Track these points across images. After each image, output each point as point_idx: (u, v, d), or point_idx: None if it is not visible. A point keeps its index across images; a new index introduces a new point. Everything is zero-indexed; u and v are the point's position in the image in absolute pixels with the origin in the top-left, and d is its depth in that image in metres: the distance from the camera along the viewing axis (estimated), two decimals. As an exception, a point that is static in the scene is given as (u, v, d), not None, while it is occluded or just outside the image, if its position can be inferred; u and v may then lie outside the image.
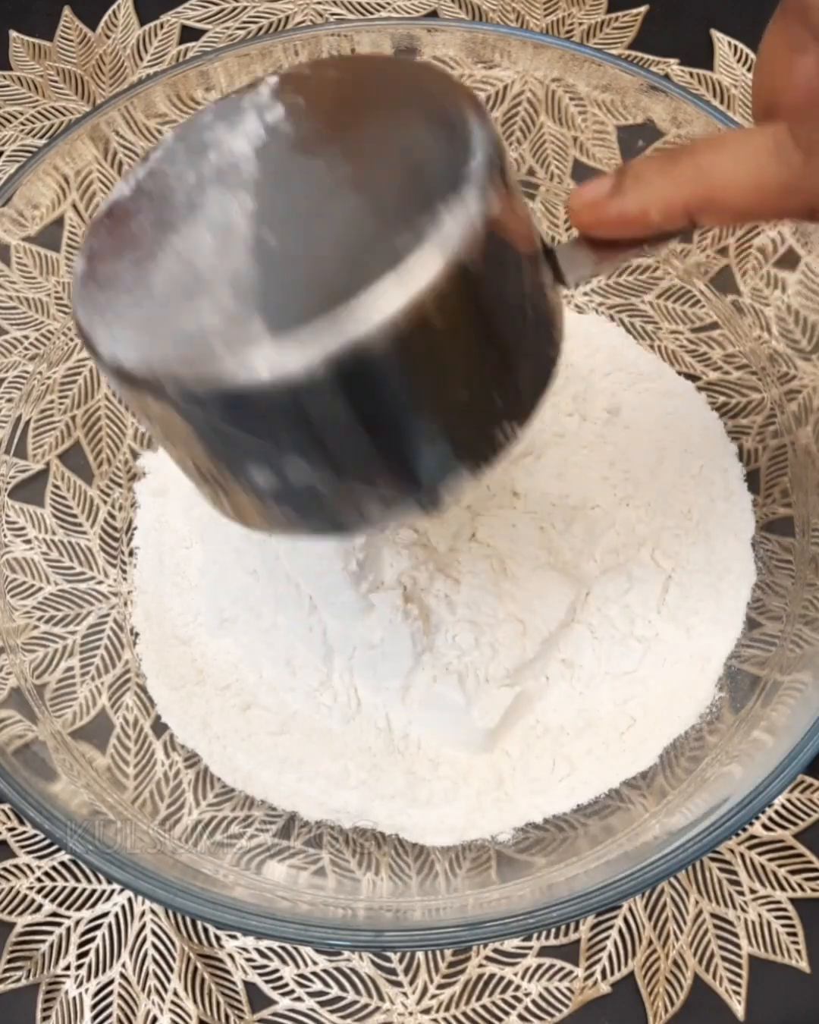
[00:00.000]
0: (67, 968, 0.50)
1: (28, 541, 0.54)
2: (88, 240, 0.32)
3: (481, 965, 0.50)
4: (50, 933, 0.51)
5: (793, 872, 0.51)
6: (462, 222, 0.26)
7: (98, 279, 0.30)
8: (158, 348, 0.27)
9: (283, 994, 0.50)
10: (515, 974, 0.50)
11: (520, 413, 0.30)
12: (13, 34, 0.69)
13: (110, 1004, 0.50)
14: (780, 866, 0.51)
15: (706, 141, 0.30)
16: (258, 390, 0.25)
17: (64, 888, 0.52)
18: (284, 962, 0.50)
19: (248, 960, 0.50)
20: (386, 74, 0.32)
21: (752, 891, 0.51)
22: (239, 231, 0.28)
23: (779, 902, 0.51)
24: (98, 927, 0.51)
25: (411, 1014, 0.49)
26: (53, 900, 0.51)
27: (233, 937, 0.51)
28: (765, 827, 0.52)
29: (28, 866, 0.52)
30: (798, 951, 0.50)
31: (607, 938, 0.50)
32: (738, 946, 0.50)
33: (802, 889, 0.51)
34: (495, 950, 0.50)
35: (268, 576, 0.51)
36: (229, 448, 0.28)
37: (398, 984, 0.50)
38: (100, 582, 0.55)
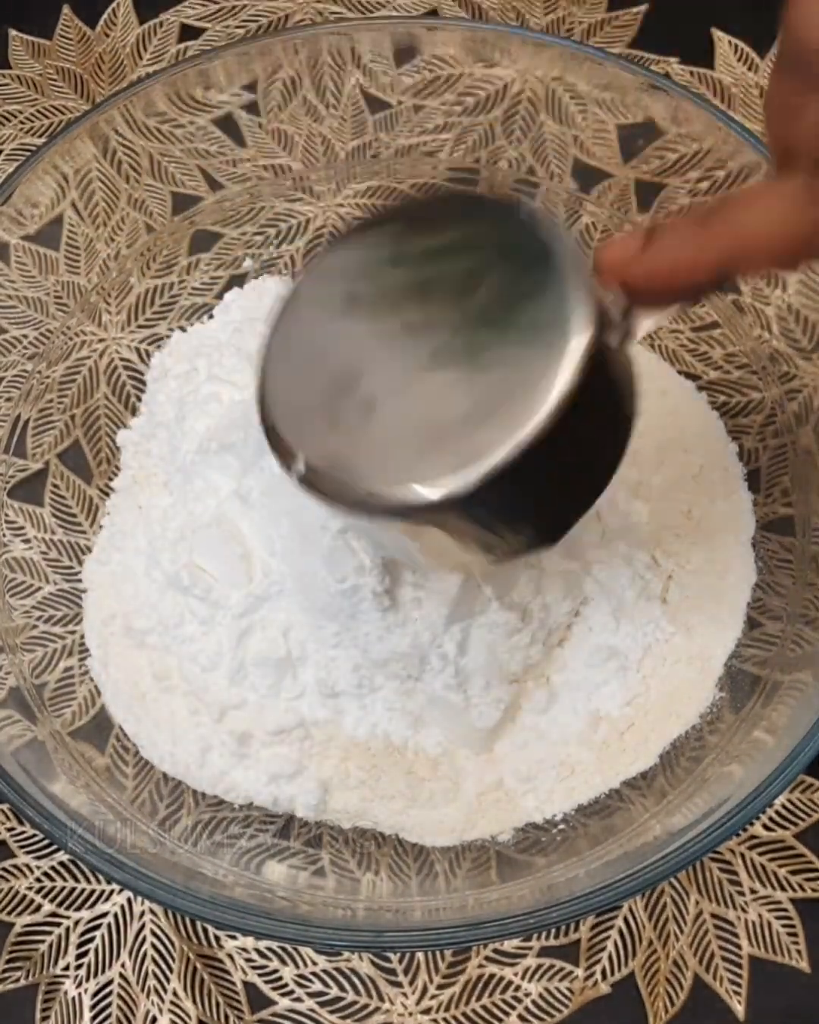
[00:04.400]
0: (66, 968, 0.50)
1: (27, 540, 0.54)
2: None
3: (481, 965, 0.50)
4: (49, 933, 0.51)
5: (793, 872, 0.51)
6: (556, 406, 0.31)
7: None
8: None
9: (283, 994, 0.50)
10: (515, 974, 0.50)
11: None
12: (12, 32, 0.68)
13: (109, 1004, 0.50)
14: (780, 866, 0.51)
15: (734, 200, 0.32)
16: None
17: (63, 888, 0.52)
18: (284, 962, 0.50)
19: (248, 960, 0.50)
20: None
21: (752, 891, 0.51)
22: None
23: (779, 902, 0.51)
24: (97, 927, 0.51)
25: (411, 1014, 0.49)
26: (52, 900, 0.51)
27: (232, 937, 0.51)
28: (765, 827, 0.52)
29: (27, 866, 0.52)
30: (798, 951, 0.50)
31: (607, 938, 0.50)
32: (738, 946, 0.50)
33: (802, 889, 0.51)
34: (495, 950, 0.50)
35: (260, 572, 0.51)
36: None
37: (398, 984, 0.50)
38: (99, 582, 0.55)
